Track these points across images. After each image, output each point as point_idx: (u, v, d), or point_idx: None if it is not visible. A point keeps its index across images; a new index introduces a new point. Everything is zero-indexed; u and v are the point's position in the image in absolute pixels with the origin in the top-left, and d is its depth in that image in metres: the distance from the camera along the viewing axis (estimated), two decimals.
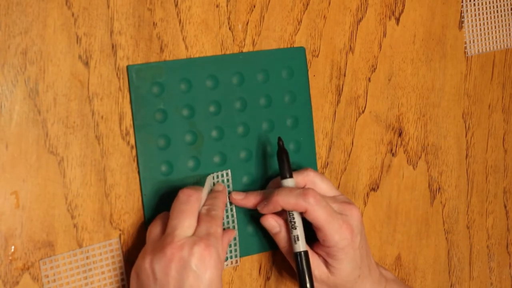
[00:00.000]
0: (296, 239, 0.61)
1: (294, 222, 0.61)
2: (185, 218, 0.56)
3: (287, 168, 0.62)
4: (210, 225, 0.57)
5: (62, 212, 0.58)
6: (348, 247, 0.60)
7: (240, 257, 0.65)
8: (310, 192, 0.59)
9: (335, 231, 0.60)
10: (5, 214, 0.56)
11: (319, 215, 0.59)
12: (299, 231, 0.61)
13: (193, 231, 0.56)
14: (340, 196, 0.64)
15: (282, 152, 0.62)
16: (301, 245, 0.61)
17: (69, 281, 0.59)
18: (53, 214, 0.58)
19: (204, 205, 0.59)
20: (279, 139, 0.62)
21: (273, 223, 0.62)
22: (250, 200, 0.63)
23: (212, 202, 0.59)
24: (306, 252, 0.61)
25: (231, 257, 0.65)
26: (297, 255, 0.61)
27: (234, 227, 0.64)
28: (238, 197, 0.63)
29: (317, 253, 0.62)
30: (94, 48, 0.59)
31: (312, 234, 0.62)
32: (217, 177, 0.63)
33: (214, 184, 0.63)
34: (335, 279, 0.62)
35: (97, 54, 0.59)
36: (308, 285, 0.60)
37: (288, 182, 0.61)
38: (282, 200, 0.60)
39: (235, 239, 0.64)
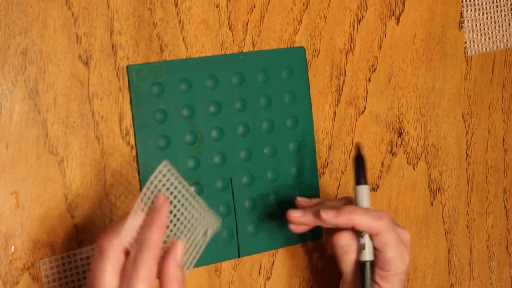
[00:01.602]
0: (362, 247, 0.59)
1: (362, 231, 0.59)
2: (102, 278, 0.48)
3: (363, 174, 0.60)
4: (131, 283, 0.47)
5: (62, 212, 0.58)
6: (404, 272, 0.60)
7: (240, 257, 0.65)
8: (384, 215, 0.58)
9: (398, 257, 0.59)
10: (5, 214, 0.56)
11: (389, 239, 0.58)
12: (366, 239, 0.59)
13: None
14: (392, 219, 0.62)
15: (360, 158, 0.60)
16: (367, 254, 0.59)
17: (69, 281, 0.59)
18: (53, 214, 0.58)
19: (134, 239, 0.49)
20: (358, 145, 0.61)
21: (345, 242, 0.59)
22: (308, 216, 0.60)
23: (141, 238, 0.49)
24: (372, 262, 0.59)
25: (231, 257, 0.65)
26: (362, 264, 0.59)
27: (234, 226, 0.64)
28: (297, 214, 0.60)
29: None
30: (94, 48, 0.59)
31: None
32: (208, 214, 0.54)
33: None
34: None
35: (97, 54, 0.59)
36: None
37: (363, 188, 0.59)
38: (356, 218, 0.58)
39: (235, 239, 0.64)
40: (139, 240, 0.49)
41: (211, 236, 0.53)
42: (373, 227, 0.58)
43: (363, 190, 0.60)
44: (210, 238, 0.53)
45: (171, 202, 0.52)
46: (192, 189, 0.54)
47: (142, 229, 0.49)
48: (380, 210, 0.59)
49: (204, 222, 0.53)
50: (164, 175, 0.51)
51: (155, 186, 0.51)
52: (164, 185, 0.51)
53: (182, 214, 0.52)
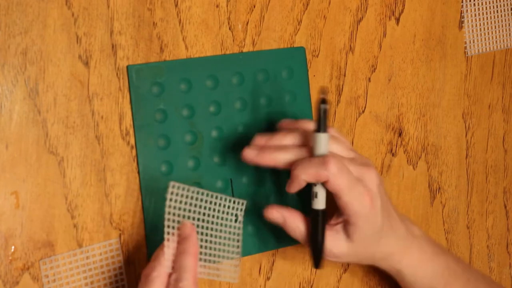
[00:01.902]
0: (315, 195, 0.57)
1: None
2: None
3: (324, 122, 0.55)
4: None
5: (62, 212, 0.58)
6: (368, 213, 0.57)
7: (240, 257, 0.65)
8: (331, 160, 0.54)
9: (355, 199, 0.56)
10: (5, 214, 0.56)
11: (340, 183, 0.55)
12: (318, 187, 0.57)
13: None
14: (357, 157, 0.59)
15: (324, 105, 0.55)
16: (320, 203, 0.57)
17: (69, 281, 0.59)
18: (53, 214, 0.58)
19: (173, 266, 0.55)
20: (323, 89, 0.56)
21: (276, 215, 0.59)
22: (264, 157, 0.58)
23: (179, 265, 0.55)
24: (324, 211, 0.57)
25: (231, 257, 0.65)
26: (313, 212, 0.57)
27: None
28: (251, 155, 0.58)
29: (335, 224, 0.60)
30: (94, 48, 0.59)
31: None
32: (231, 202, 0.60)
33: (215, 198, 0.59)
34: (356, 247, 0.59)
35: (97, 54, 0.59)
36: (319, 239, 0.57)
37: (322, 137, 0.55)
38: (302, 173, 0.55)
39: None
40: (177, 267, 0.54)
41: (242, 217, 0.59)
42: (321, 175, 0.55)
43: (322, 139, 0.55)
44: (242, 219, 0.60)
45: (194, 212, 0.57)
46: (206, 192, 0.57)
47: (178, 256, 0.55)
48: (326, 156, 0.55)
49: (230, 211, 0.59)
50: (177, 194, 0.55)
51: (174, 208, 0.55)
52: (181, 203, 0.56)
53: (208, 216, 0.58)
